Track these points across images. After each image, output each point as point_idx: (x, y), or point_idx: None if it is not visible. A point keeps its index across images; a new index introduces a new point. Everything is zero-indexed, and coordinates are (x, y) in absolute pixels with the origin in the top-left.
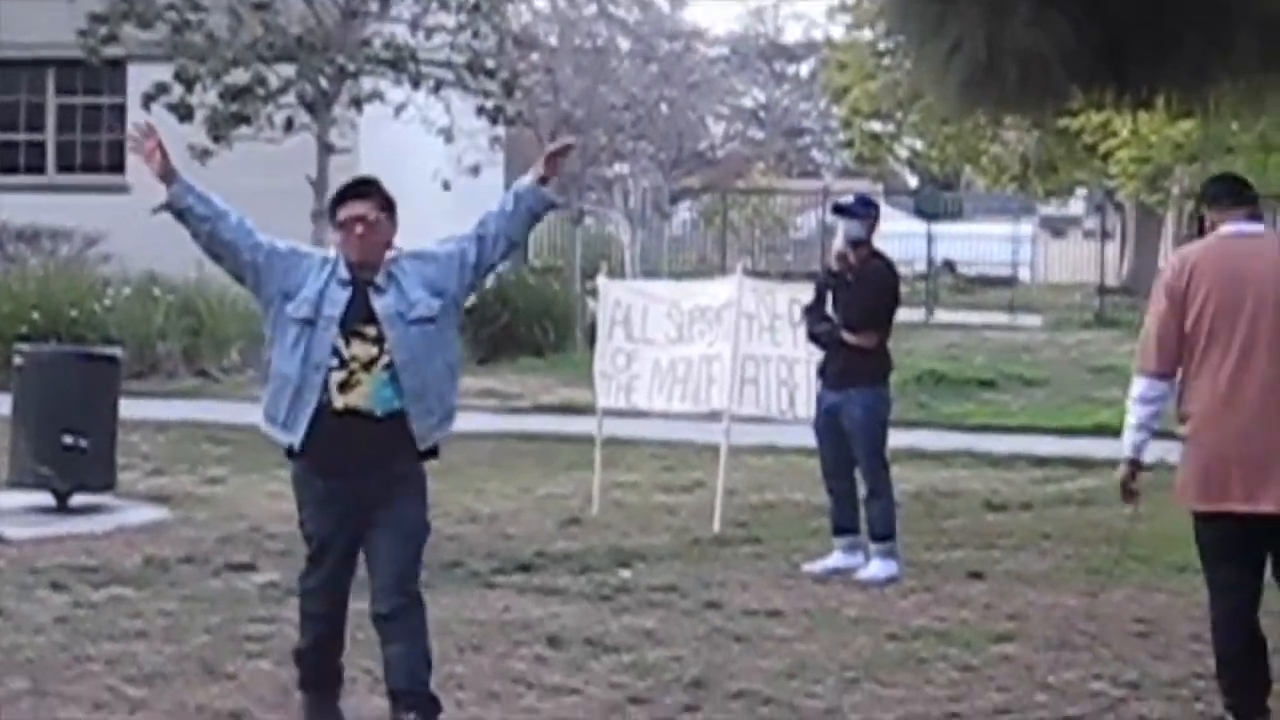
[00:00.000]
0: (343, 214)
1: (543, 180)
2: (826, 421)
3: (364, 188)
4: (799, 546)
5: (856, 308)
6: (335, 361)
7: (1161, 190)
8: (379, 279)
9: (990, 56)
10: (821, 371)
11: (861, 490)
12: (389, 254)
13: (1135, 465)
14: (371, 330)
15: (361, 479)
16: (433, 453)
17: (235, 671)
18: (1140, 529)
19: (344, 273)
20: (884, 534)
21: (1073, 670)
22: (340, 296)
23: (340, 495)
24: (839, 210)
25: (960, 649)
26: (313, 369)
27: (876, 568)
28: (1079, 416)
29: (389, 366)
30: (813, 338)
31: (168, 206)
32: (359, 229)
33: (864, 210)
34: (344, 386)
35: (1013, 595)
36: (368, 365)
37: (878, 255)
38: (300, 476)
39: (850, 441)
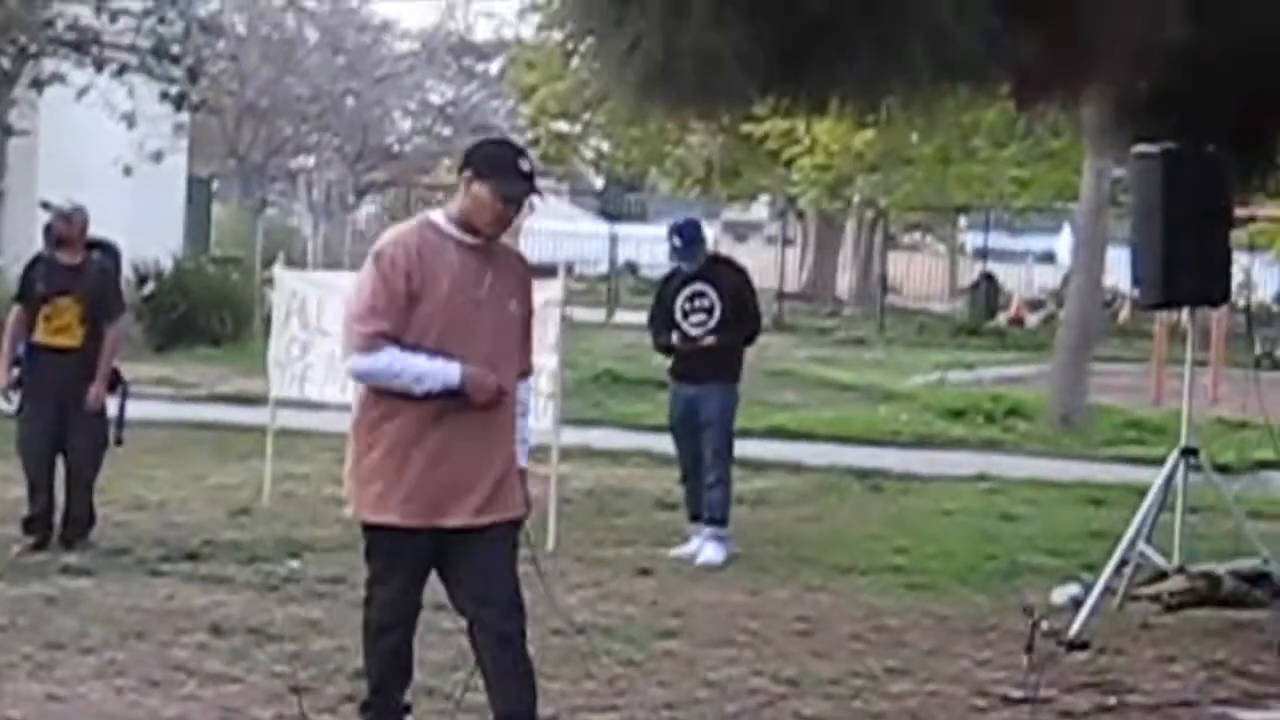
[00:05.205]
0: None
1: None
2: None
3: None
4: None
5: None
6: None
7: (842, 199)
8: None
9: (668, 56)
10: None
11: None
12: None
13: None
14: None
15: None
16: None
17: None
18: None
19: None
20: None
21: (734, 666)
22: None
23: None
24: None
25: (624, 644)
26: None
27: (712, 550)
28: (753, 419)
29: None
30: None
31: None
32: None
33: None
34: None
35: (679, 592)
36: None
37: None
38: None
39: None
